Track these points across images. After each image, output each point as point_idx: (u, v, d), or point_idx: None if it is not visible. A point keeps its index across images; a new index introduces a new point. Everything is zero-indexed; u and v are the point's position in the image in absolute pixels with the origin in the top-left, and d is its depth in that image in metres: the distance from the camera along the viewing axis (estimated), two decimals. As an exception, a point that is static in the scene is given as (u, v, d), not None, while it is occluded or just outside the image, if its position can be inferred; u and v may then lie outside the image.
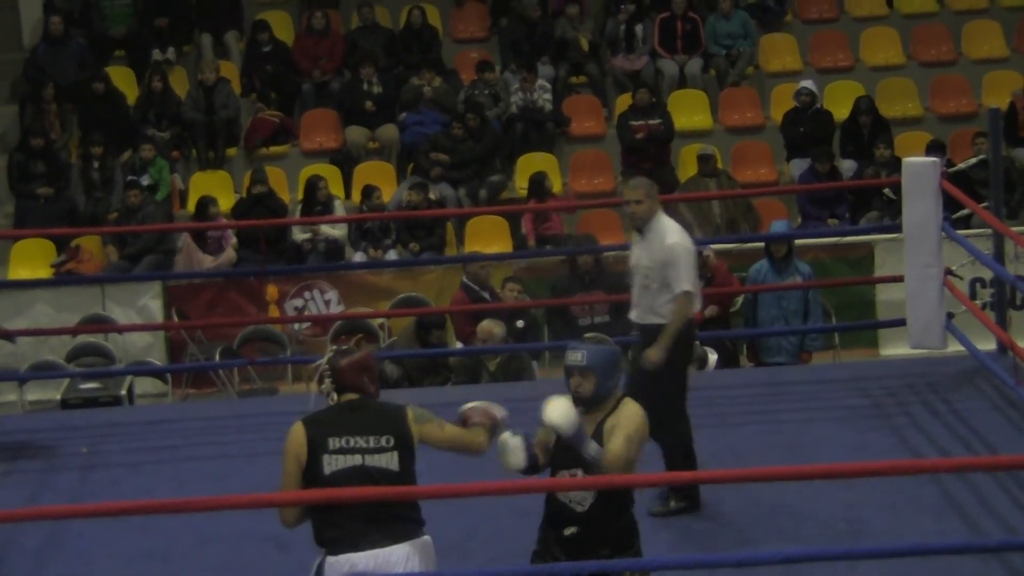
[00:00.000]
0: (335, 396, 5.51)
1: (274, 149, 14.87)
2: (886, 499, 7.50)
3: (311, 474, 5.42)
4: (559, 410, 5.68)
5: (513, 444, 5.74)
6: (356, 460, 5.38)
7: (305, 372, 11.86)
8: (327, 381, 5.50)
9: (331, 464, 5.40)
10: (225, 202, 13.96)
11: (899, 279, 9.60)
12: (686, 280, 7.43)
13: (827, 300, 11.75)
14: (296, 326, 12.66)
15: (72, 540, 7.46)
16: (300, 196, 13.70)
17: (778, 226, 11.40)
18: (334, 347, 5.65)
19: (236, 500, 5.62)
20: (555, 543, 5.79)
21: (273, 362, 12.10)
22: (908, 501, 7.50)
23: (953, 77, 15.37)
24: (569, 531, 5.75)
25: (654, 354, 7.45)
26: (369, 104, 14.74)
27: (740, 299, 11.51)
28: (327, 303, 12.89)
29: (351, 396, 5.53)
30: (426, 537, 5.49)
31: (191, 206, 13.75)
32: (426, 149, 14.26)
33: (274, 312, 12.62)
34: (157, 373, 12.27)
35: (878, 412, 8.92)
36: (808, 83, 14.52)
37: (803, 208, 13.60)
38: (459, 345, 10.91)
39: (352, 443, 5.39)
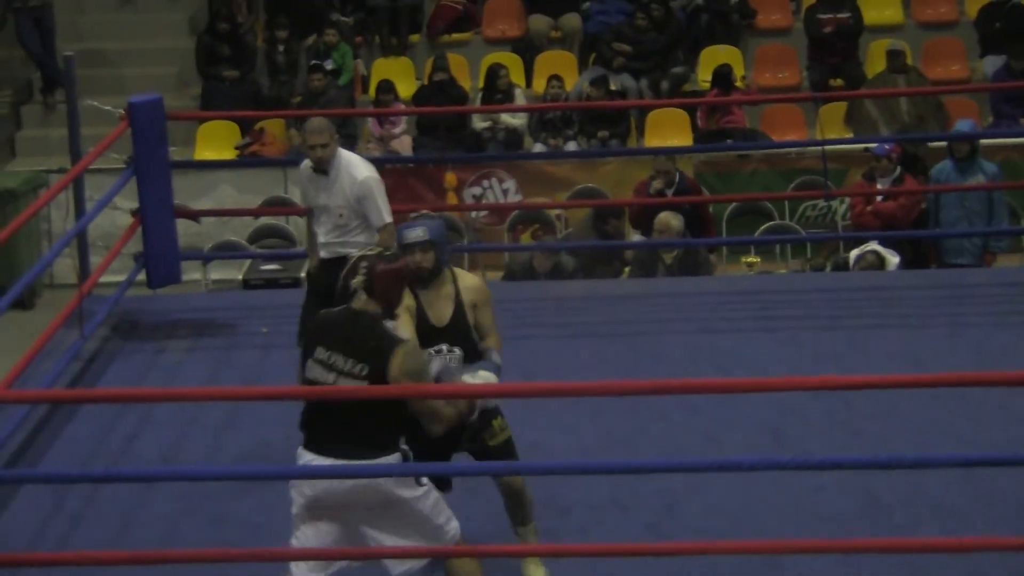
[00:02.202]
0: (362, 296, 5.39)
1: (456, 36, 14.86)
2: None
3: (303, 367, 5.48)
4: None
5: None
6: (330, 378, 5.36)
7: (481, 261, 11.90)
8: (360, 278, 5.41)
9: (311, 370, 5.40)
10: (406, 89, 14.00)
11: (1092, 182, 9.32)
12: (386, 211, 7.44)
13: (1014, 201, 11.44)
14: (474, 214, 12.69)
15: (248, 419, 7.58)
16: (481, 84, 13.70)
17: (963, 125, 11.10)
18: (374, 252, 5.48)
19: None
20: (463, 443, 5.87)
21: (453, 250, 12.11)
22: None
23: None
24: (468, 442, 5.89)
25: None
26: (554, -8, 14.64)
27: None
28: (505, 192, 12.90)
29: (371, 304, 5.40)
30: (389, 456, 5.35)
31: (372, 91, 13.81)
32: (609, 39, 14.13)
33: (452, 199, 12.67)
34: (336, 257, 12.38)
35: (1066, 318, 8.71)
36: (1006, -24, 14.09)
37: (996, 107, 13.24)
38: (636, 237, 10.83)
39: (332, 360, 5.36)
